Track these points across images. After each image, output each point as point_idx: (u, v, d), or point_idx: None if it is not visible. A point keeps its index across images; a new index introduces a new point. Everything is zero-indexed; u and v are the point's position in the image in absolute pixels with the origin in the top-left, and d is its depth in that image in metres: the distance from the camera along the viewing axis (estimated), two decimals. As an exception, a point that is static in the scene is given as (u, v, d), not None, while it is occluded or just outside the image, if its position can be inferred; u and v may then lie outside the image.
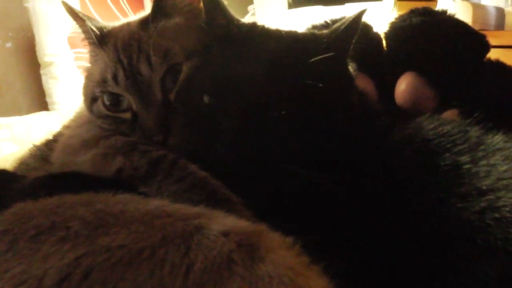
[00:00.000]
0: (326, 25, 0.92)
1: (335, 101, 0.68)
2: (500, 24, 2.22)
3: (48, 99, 2.06)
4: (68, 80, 2.00)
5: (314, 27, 0.94)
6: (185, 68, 0.70)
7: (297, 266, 0.43)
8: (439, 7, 1.38)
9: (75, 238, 0.44)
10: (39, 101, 2.09)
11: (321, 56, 0.63)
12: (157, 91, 0.69)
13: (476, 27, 0.91)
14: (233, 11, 0.72)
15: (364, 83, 0.88)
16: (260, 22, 0.76)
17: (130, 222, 0.46)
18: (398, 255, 0.50)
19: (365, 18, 0.73)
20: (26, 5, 2.02)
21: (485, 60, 0.88)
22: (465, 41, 0.85)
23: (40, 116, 1.54)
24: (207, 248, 0.43)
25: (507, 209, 0.49)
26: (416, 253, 0.50)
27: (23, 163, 0.78)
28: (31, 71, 2.12)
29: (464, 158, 0.56)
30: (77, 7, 1.96)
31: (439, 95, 0.85)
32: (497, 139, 0.60)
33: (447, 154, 0.58)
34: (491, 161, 0.56)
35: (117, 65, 0.69)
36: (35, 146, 0.82)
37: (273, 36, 0.71)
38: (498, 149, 0.58)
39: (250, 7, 2.72)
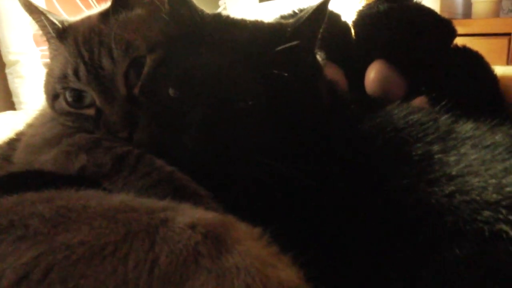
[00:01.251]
0: (294, 15, 0.91)
1: (303, 90, 0.67)
2: (467, 13, 2.26)
3: (14, 99, 2.01)
4: (35, 79, 1.95)
5: (282, 17, 0.93)
6: (148, 61, 0.68)
7: (265, 256, 0.42)
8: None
9: (34, 236, 0.42)
10: (5, 101, 2.04)
11: (286, 45, 0.62)
12: (120, 85, 0.67)
13: (444, 16, 0.92)
14: (204, 6, 0.71)
15: (333, 72, 0.88)
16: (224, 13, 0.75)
17: (92, 217, 0.44)
18: (368, 241, 0.50)
19: (334, 8, 0.73)
20: (-12, 2, 1.96)
21: (452, 46, 0.89)
22: (432, 27, 0.86)
23: (5, 116, 1.50)
24: (173, 241, 0.41)
25: (476, 192, 0.49)
26: (386, 237, 0.50)
27: (-17, 163, 0.75)
28: (-5, 70, 2.06)
29: (436, 148, 0.56)
30: (42, 5, 1.91)
31: (408, 82, 0.86)
32: (467, 127, 0.61)
33: (419, 144, 0.57)
34: (462, 150, 0.56)
35: (78, 59, 0.67)
36: (-4, 145, 0.79)
37: (238, 26, 0.70)
38: (468, 138, 0.58)
39: (221, 2, 2.71)
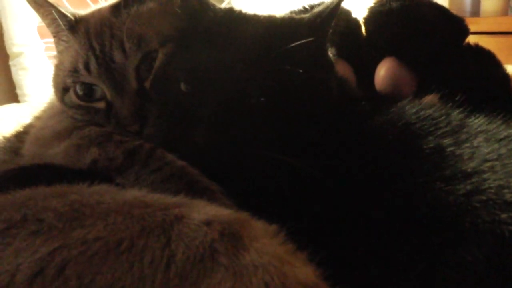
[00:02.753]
0: (304, 11, 0.90)
1: (315, 86, 0.67)
2: (475, 11, 2.25)
3: (18, 91, 2.01)
4: (39, 71, 1.95)
5: (292, 12, 0.92)
6: (160, 55, 0.67)
7: (282, 254, 0.42)
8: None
9: (48, 231, 0.42)
10: (9, 93, 2.03)
11: (301, 41, 0.62)
12: (131, 79, 0.67)
13: (452, 14, 0.91)
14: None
15: (343, 69, 0.87)
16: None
17: (106, 213, 0.44)
18: (384, 240, 0.50)
19: (344, 4, 0.72)
20: (-8, -7, 1.95)
21: (464, 44, 0.88)
22: (444, 25, 0.85)
23: (10, 108, 1.50)
24: (189, 238, 0.41)
25: (493, 191, 0.48)
26: (403, 237, 0.49)
27: (-9, 156, 0.75)
28: (-1, 62, 2.05)
29: (448, 141, 0.56)
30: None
31: (419, 80, 0.85)
32: (480, 121, 0.60)
33: (430, 137, 0.57)
34: (475, 143, 0.55)
35: (89, 52, 0.67)
36: (4, 138, 0.79)
37: (251, 21, 0.69)
38: (481, 131, 0.58)
39: (225, -5, 2.68)
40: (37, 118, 0.80)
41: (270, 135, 0.62)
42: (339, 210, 0.54)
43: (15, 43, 1.95)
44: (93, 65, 0.66)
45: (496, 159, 0.52)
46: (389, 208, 0.52)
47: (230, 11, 0.71)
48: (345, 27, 0.90)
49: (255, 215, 0.47)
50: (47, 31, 0.75)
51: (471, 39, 0.91)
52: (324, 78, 0.70)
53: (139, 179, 0.60)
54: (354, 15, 0.95)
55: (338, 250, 0.50)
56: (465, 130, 0.58)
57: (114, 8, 0.70)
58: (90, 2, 2.11)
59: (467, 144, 0.55)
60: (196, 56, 0.65)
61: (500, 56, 0.91)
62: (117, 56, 0.66)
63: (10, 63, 1.99)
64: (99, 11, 0.72)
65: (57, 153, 0.65)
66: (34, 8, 0.71)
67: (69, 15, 0.69)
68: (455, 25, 0.86)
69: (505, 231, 0.45)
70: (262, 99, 0.61)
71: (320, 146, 0.62)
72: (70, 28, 0.69)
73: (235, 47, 0.64)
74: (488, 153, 0.53)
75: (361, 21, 0.93)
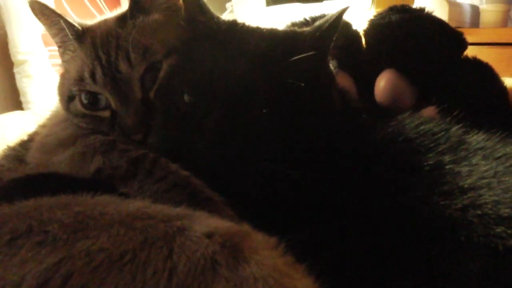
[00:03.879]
0: (306, 23, 0.91)
1: (317, 99, 0.68)
2: (475, 22, 2.26)
3: (22, 98, 2.01)
4: (43, 79, 1.95)
5: (293, 24, 0.94)
6: (165, 66, 0.69)
7: (282, 266, 0.42)
8: (416, 4, 1.39)
9: (53, 242, 0.42)
10: (13, 100, 2.04)
11: (303, 55, 0.63)
12: (136, 89, 0.68)
13: (452, 25, 0.92)
14: (211, 8, 0.71)
15: (343, 81, 0.88)
16: (239, 20, 0.75)
17: (110, 224, 0.44)
18: (382, 252, 0.50)
19: (344, 16, 0.73)
20: (-3, 1, 1.96)
21: (462, 57, 0.89)
22: (443, 38, 0.86)
23: (14, 115, 1.51)
24: (190, 250, 0.42)
25: (489, 206, 0.49)
26: (400, 249, 0.50)
27: (-3, 165, 0.76)
28: (4, 69, 2.05)
29: (447, 158, 0.57)
30: (51, 5, 1.93)
31: (418, 92, 0.86)
32: (478, 138, 0.61)
33: (430, 154, 0.58)
34: (473, 161, 0.56)
35: (95, 62, 0.68)
36: (9, 146, 0.80)
37: (254, 34, 0.70)
38: (479, 149, 0.59)
39: (228, 4, 2.70)
40: (42, 126, 0.81)
41: (272, 146, 0.63)
42: (340, 221, 0.55)
43: (20, 51, 1.96)
44: (98, 74, 0.67)
45: (493, 176, 0.53)
46: (388, 220, 0.52)
47: (234, 23, 0.72)
48: (346, 39, 0.90)
49: (256, 225, 0.48)
50: (51, 39, 0.76)
51: (471, 50, 0.92)
52: (326, 91, 0.71)
53: (142, 188, 0.61)
54: (354, 27, 0.97)
55: (337, 261, 0.50)
56: (463, 147, 0.59)
57: (120, 19, 0.72)
58: (90, 6, 2.13)
59: (466, 162, 0.56)
60: (199, 68, 0.66)
61: (500, 67, 0.92)
62: (123, 66, 0.67)
63: (15, 70, 2.00)
64: (105, 21, 0.73)
65: (61, 161, 0.66)
66: (41, 18, 0.72)
67: (76, 25, 0.70)
68: (453, 38, 0.87)
69: (499, 245, 0.45)
70: (264, 110, 0.62)
71: (322, 158, 0.62)
72: (77, 38, 0.70)
73: (238, 59, 0.64)
74: (486, 170, 0.54)
75: (361, 33, 0.94)
